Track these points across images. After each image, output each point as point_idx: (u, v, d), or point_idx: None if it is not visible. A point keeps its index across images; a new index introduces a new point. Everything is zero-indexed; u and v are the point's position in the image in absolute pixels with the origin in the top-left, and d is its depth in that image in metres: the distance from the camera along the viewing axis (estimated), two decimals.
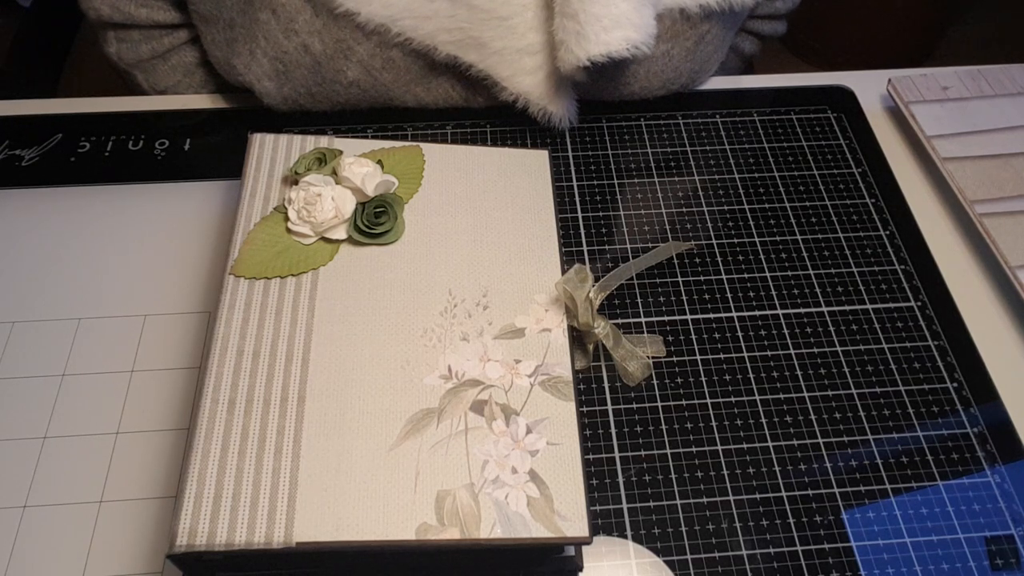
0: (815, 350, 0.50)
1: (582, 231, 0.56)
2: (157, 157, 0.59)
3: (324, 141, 0.50)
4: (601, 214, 0.57)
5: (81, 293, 0.51)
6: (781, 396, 0.48)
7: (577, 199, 0.58)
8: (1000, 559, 0.43)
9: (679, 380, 0.49)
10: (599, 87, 0.59)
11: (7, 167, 0.58)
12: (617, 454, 0.46)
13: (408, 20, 0.54)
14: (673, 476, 0.45)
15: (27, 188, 0.57)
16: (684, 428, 0.47)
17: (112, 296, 0.51)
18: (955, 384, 0.49)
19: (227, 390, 0.39)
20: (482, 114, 0.62)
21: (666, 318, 0.52)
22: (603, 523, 0.43)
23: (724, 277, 0.54)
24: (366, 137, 0.59)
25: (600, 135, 0.62)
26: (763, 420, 0.47)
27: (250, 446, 0.37)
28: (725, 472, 0.45)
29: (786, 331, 0.51)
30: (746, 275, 0.54)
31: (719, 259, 0.55)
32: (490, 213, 0.48)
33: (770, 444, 0.46)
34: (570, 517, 0.37)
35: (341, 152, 0.48)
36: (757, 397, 0.48)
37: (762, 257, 0.55)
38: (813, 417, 0.47)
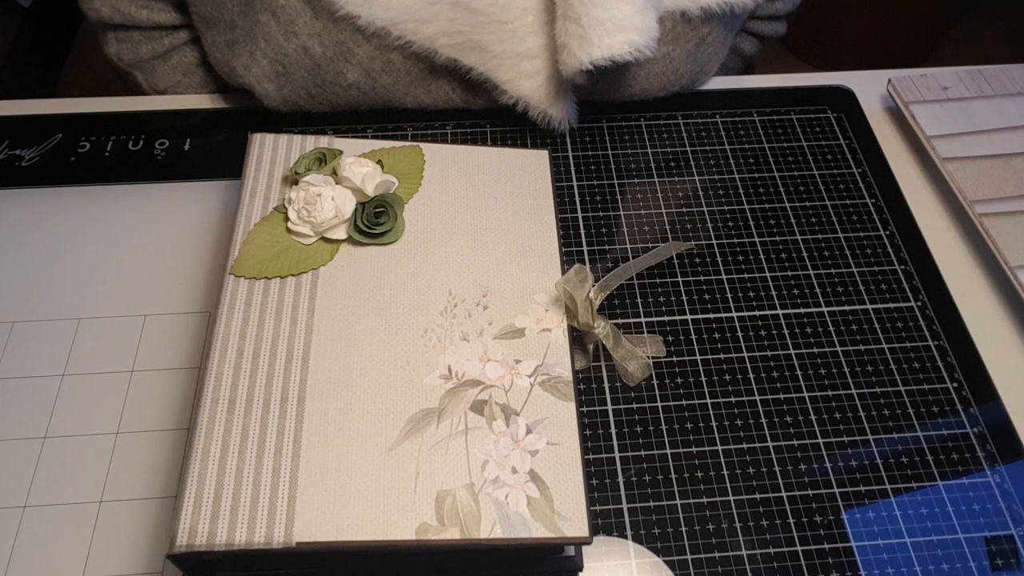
0: (815, 350, 0.50)
1: (582, 231, 0.56)
2: (157, 157, 0.59)
3: (324, 141, 0.50)
4: (601, 214, 0.57)
5: (81, 293, 0.51)
6: (781, 396, 0.48)
7: (577, 199, 0.58)
8: (1000, 559, 0.43)
9: (679, 380, 0.49)
10: (599, 89, 0.59)
11: (7, 167, 0.58)
12: (617, 454, 0.46)
13: (408, 23, 0.54)
14: (673, 476, 0.45)
15: (27, 188, 0.57)
16: (684, 428, 0.47)
17: (112, 296, 0.51)
18: (955, 384, 0.49)
19: (227, 390, 0.39)
20: (482, 114, 0.62)
21: (666, 318, 0.52)
22: (603, 523, 0.43)
23: (724, 277, 0.54)
24: (366, 137, 0.59)
25: (600, 135, 0.62)
26: (763, 420, 0.47)
27: (250, 446, 0.37)
28: (725, 472, 0.45)
29: (786, 331, 0.51)
30: (746, 275, 0.54)
31: (719, 259, 0.55)
32: (490, 213, 0.48)
33: (770, 444, 0.46)
34: (570, 517, 0.37)
35: (341, 152, 0.48)
36: (757, 397, 0.48)
37: (762, 257, 0.55)
38: (813, 417, 0.47)
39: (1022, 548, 0.43)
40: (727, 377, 0.49)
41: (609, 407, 0.47)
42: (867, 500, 0.44)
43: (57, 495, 0.43)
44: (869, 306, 0.53)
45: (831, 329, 0.51)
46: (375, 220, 0.46)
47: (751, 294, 0.53)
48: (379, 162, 0.49)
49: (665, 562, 0.42)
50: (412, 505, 0.37)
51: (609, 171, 0.59)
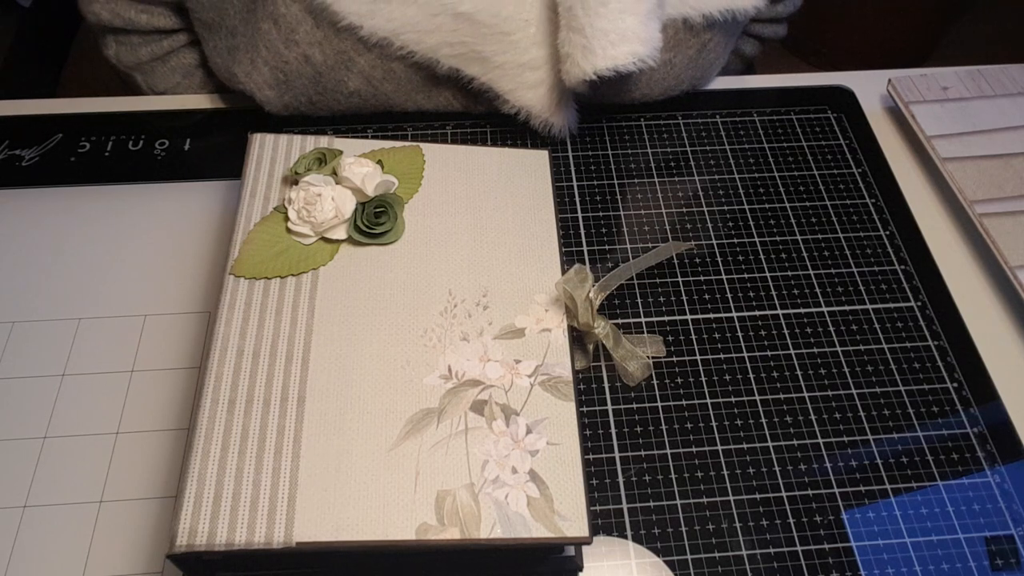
0: (815, 350, 0.50)
1: (582, 231, 0.56)
2: (157, 157, 0.59)
3: (324, 141, 0.50)
4: (601, 214, 0.57)
5: (81, 293, 0.51)
6: (781, 396, 0.48)
7: (577, 199, 0.58)
8: (1000, 559, 0.43)
9: (679, 380, 0.49)
10: (599, 95, 0.59)
11: (7, 167, 0.58)
12: (617, 454, 0.46)
13: (411, 34, 0.54)
14: (673, 476, 0.45)
15: (27, 188, 0.57)
16: (684, 428, 0.47)
17: (112, 296, 0.51)
18: (955, 384, 0.49)
19: (227, 390, 0.39)
20: (482, 115, 0.62)
21: (666, 318, 0.52)
22: (603, 523, 0.43)
23: (724, 277, 0.54)
24: (366, 137, 0.59)
25: (600, 135, 0.62)
26: (763, 420, 0.47)
27: (250, 446, 0.37)
28: (725, 472, 0.45)
29: (786, 331, 0.51)
30: (746, 275, 0.54)
31: (719, 259, 0.55)
32: (490, 213, 0.48)
33: (770, 444, 0.46)
34: (570, 517, 0.37)
35: (341, 152, 0.48)
36: (757, 397, 0.48)
37: (762, 257, 0.55)
38: (813, 417, 0.47)
39: (1022, 548, 0.43)
40: (727, 377, 0.49)
41: (609, 407, 0.47)
42: (867, 500, 0.44)
43: (57, 495, 0.43)
44: (869, 306, 0.53)
45: (831, 329, 0.51)
46: (375, 220, 0.46)
47: (751, 294, 0.53)
48: (379, 162, 0.49)
49: (665, 562, 0.42)
50: (412, 505, 0.37)
51: (609, 171, 0.59)
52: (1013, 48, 1.61)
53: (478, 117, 0.62)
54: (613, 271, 0.50)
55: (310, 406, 0.39)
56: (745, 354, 0.50)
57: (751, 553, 0.42)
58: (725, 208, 0.58)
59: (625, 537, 0.43)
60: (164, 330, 0.50)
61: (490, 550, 0.39)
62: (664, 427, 0.47)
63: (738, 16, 0.57)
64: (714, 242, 0.56)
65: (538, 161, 0.52)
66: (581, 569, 0.41)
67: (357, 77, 0.56)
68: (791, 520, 0.44)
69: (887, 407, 0.48)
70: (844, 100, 0.65)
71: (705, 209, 0.58)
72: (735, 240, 0.56)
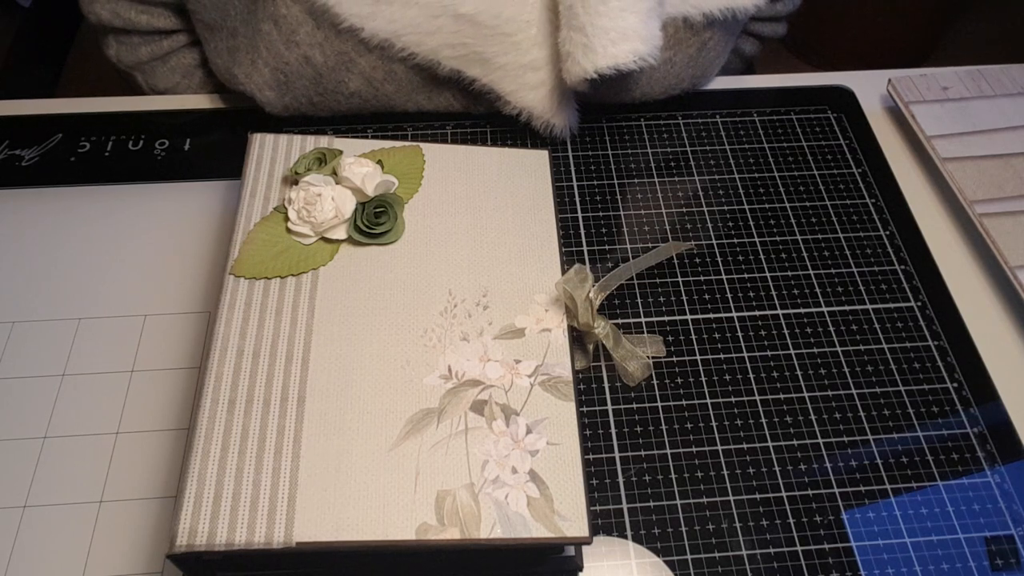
0: (815, 350, 0.50)
1: (582, 231, 0.56)
2: (157, 157, 0.59)
3: (324, 141, 0.50)
4: (601, 214, 0.57)
5: (81, 293, 0.51)
6: (781, 396, 0.48)
7: (577, 199, 0.58)
8: (1000, 559, 0.43)
9: (679, 380, 0.49)
10: (600, 93, 0.59)
11: (7, 167, 0.58)
12: (617, 454, 0.46)
13: (412, 36, 0.54)
14: (673, 476, 0.45)
15: (27, 188, 0.57)
16: (684, 428, 0.47)
17: (112, 296, 0.51)
18: (955, 384, 0.49)
19: (227, 390, 0.39)
20: (482, 115, 0.62)
21: (666, 318, 0.52)
22: (603, 523, 0.43)
23: (724, 277, 0.54)
24: (366, 137, 0.59)
25: (600, 135, 0.62)
26: (763, 420, 0.47)
27: (250, 446, 0.37)
28: (725, 472, 0.45)
29: (786, 331, 0.51)
30: (746, 275, 0.54)
31: (719, 259, 0.55)
32: (490, 213, 0.48)
33: (770, 444, 0.46)
34: (570, 517, 0.37)
35: (341, 152, 0.48)
36: (757, 397, 0.48)
37: (762, 257, 0.55)
38: (813, 417, 0.47)
39: (1022, 548, 0.43)
40: (727, 377, 0.49)
41: (609, 407, 0.47)
42: (867, 500, 0.44)
43: (57, 495, 0.43)
44: (869, 306, 0.53)
45: (831, 329, 0.51)
46: (375, 220, 0.46)
47: (751, 294, 0.53)
48: (379, 162, 0.49)
49: (665, 562, 0.42)
50: (412, 505, 0.37)
51: (609, 171, 0.59)
52: (1013, 48, 1.61)
53: (478, 117, 0.62)
54: (613, 271, 0.50)
55: (310, 406, 0.39)
56: (745, 354, 0.50)
57: (751, 553, 0.42)
58: (725, 208, 0.58)
59: (625, 537, 0.43)
60: (164, 330, 0.50)
61: (490, 550, 0.39)
62: (664, 427, 0.47)
63: (738, 14, 0.57)
64: (714, 242, 0.56)
65: (538, 161, 0.52)
66: (581, 569, 0.41)
67: (358, 78, 0.56)
68: (791, 520, 0.44)
69: (887, 407, 0.48)
70: (844, 100, 0.65)
71: (705, 209, 0.58)
72: (735, 240, 0.56)
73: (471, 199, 0.49)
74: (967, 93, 0.62)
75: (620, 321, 0.51)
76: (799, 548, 0.43)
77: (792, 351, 0.50)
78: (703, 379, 0.49)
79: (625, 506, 0.44)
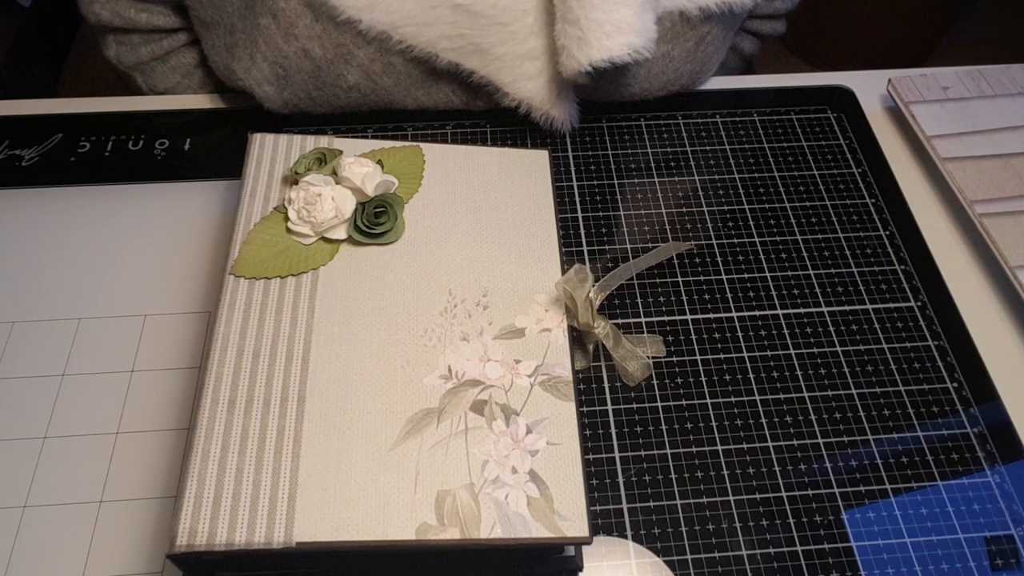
0: (815, 350, 0.50)
1: (582, 231, 0.56)
2: (157, 157, 0.59)
3: (324, 141, 0.50)
4: (601, 214, 0.57)
5: (81, 293, 0.51)
6: (781, 396, 0.48)
7: (577, 199, 0.58)
8: (1000, 559, 0.43)
9: (679, 380, 0.49)
10: (599, 89, 0.59)
11: (7, 167, 0.58)
12: (617, 454, 0.46)
13: (409, 27, 0.54)
14: (673, 476, 0.45)
15: (27, 188, 0.57)
16: (684, 428, 0.47)
17: (112, 296, 0.51)
18: (955, 384, 0.49)
19: (227, 390, 0.39)
20: (482, 114, 0.62)
21: (666, 318, 0.52)
22: (603, 523, 0.43)
23: (724, 277, 0.54)
24: (366, 137, 0.59)
25: (600, 135, 0.62)
26: (763, 420, 0.47)
27: (250, 446, 0.37)
28: (725, 472, 0.45)
29: (786, 331, 0.51)
30: (746, 275, 0.54)
31: (719, 259, 0.55)
32: (490, 213, 0.48)
33: (770, 444, 0.46)
34: (570, 517, 0.37)
35: (341, 152, 0.48)
36: (757, 397, 0.48)
37: (762, 257, 0.55)
38: (813, 417, 0.47)
39: (1022, 548, 0.43)
40: (727, 377, 0.49)
41: (609, 407, 0.47)
42: (867, 500, 0.44)
43: (57, 495, 0.43)
44: (869, 306, 0.53)
45: (831, 329, 0.51)
46: (375, 220, 0.46)
47: (751, 294, 0.53)
48: (379, 162, 0.49)
49: (665, 562, 0.42)
50: (412, 505, 0.37)
51: (609, 171, 0.59)
52: (1013, 48, 1.61)
53: (478, 116, 0.62)
54: (613, 271, 0.50)
55: (310, 406, 0.39)
56: (745, 354, 0.50)
57: (751, 553, 0.42)
58: (725, 208, 0.58)
59: (625, 537, 0.43)
60: (164, 330, 0.50)
61: (490, 550, 0.39)
62: (664, 427, 0.47)
63: (735, 9, 0.57)
64: (714, 242, 0.56)
65: (538, 161, 0.52)
66: (581, 569, 0.41)
67: (356, 71, 0.56)
68: (791, 520, 0.44)
69: (887, 407, 0.48)
70: (844, 100, 0.65)
71: (705, 209, 0.58)
72: (735, 240, 0.56)
73: (471, 199, 0.49)
74: (967, 93, 0.62)
75: (620, 321, 0.51)
76: (799, 548, 0.43)
77: (792, 351, 0.50)
78: (703, 379, 0.49)
79: (625, 506, 0.44)
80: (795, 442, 0.46)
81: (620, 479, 0.45)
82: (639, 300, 0.52)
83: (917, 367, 0.50)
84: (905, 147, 0.63)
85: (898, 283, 0.54)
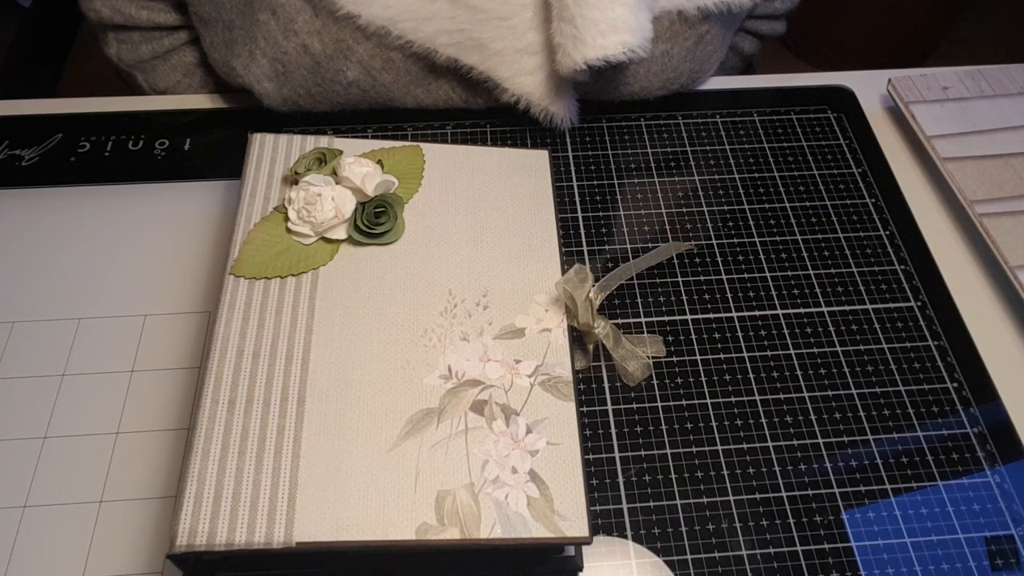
0: (815, 350, 0.50)
1: (582, 231, 0.56)
2: (157, 157, 0.59)
3: (324, 141, 0.50)
4: (601, 214, 0.57)
5: (81, 293, 0.51)
6: (781, 396, 0.48)
7: (577, 199, 0.58)
8: (1000, 559, 0.43)
9: (679, 380, 0.49)
10: (599, 87, 0.59)
11: (7, 167, 0.58)
12: (617, 454, 0.46)
13: (408, 22, 0.54)
14: (673, 476, 0.45)
15: (27, 188, 0.57)
16: (684, 428, 0.47)
17: (112, 296, 0.51)
18: (955, 384, 0.49)
19: (227, 390, 0.39)
20: (482, 114, 0.62)
21: (666, 318, 0.52)
22: (603, 523, 0.43)
23: (724, 277, 0.54)
24: (366, 137, 0.59)
25: (600, 135, 0.62)
26: (763, 420, 0.47)
27: (250, 446, 0.37)
28: (725, 472, 0.45)
29: (786, 331, 0.51)
30: (746, 275, 0.54)
31: (719, 259, 0.55)
32: (490, 213, 0.48)
33: (770, 444, 0.46)
34: (570, 517, 0.37)
35: (341, 152, 0.48)
36: (757, 397, 0.48)
37: (762, 257, 0.55)
38: (813, 417, 0.47)
39: (1022, 548, 0.43)
40: (727, 377, 0.49)
41: (609, 407, 0.47)
42: (867, 500, 0.44)
43: (57, 495, 0.43)
44: (869, 306, 0.53)
45: (831, 329, 0.51)
46: (375, 220, 0.46)
47: (751, 294, 0.53)
48: (379, 162, 0.49)
49: (665, 562, 0.42)
50: (412, 505, 0.37)
51: (609, 171, 0.59)
52: (1013, 48, 1.61)
53: (478, 116, 0.62)
54: (613, 271, 0.50)
55: (310, 406, 0.39)
56: (745, 354, 0.50)
57: (751, 553, 0.42)
58: (725, 208, 0.58)
59: (625, 537, 0.43)
60: (164, 330, 0.50)
61: (490, 550, 0.39)
62: (664, 427, 0.47)
63: (733, 8, 0.57)
64: (714, 242, 0.56)
65: (538, 161, 0.52)
66: (581, 569, 0.41)
67: (356, 67, 0.56)
68: (791, 520, 0.44)
69: (887, 407, 0.48)
70: (844, 100, 0.65)
71: (705, 209, 0.58)
72: (735, 240, 0.56)
73: (471, 199, 0.49)
74: (967, 93, 0.62)
75: (620, 321, 0.51)
76: (799, 548, 0.43)
77: (792, 351, 0.50)
78: (703, 379, 0.49)
79: (625, 506, 0.44)
80: (795, 442, 0.46)
81: (620, 479, 0.45)
82: (639, 300, 0.52)
83: (917, 367, 0.50)
84: (905, 147, 0.63)
85: (898, 283, 0.54)
